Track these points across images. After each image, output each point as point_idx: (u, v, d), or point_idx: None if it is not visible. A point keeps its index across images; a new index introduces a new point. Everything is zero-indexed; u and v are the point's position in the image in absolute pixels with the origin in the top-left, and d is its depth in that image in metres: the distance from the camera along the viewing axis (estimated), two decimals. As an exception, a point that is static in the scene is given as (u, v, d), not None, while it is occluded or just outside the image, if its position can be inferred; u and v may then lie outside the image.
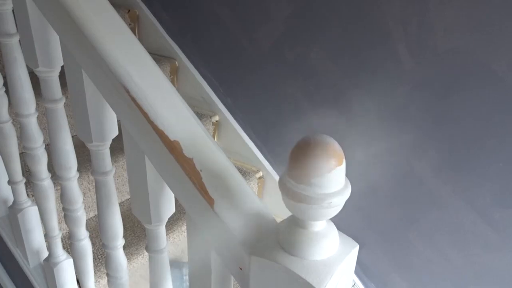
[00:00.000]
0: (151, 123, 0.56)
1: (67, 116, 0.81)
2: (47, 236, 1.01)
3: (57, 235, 1.00)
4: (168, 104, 0.60)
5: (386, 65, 1.22)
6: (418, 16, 1.14)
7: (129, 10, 1.69)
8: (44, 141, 0.91)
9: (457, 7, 1.08)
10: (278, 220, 0.52)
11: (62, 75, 0.72)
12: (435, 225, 1.30)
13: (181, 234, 1.34)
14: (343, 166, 0.43)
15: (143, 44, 0.64)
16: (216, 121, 1.65)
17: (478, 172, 1.18)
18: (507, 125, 1.10)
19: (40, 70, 0.74)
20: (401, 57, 1.19)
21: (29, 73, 0.85)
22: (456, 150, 1.19)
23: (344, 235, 0.50)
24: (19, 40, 0.78)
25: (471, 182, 1.20)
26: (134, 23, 1.71)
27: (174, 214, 0.71)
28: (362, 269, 1.49)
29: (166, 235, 0.73)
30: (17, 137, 0.96)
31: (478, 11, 1.06)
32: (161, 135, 0.56)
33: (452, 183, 1.23)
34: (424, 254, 1.35)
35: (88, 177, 1.22)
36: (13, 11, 0.77)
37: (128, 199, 1.39)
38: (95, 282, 1.03)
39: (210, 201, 0.53)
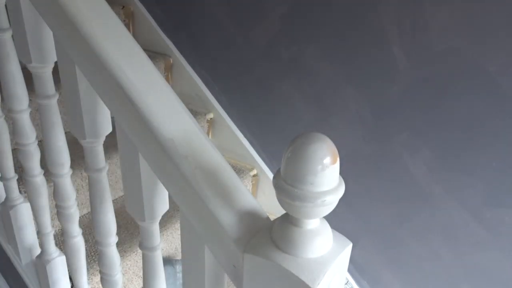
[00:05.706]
0: (145, 120, 0.56)
1: (60, 112, 0.80)
2: (39, 233, 1.00)
3: (49, 232, 1.00)
4: (163, 101, 0.59)
5: (381, 64, 1.23)
6: (413, 16, 1.14)
7: (123, 6, 1.68)
8: (37, 137, 0.90)
9: (452, 8, 1.08)
10: (272, 218, 0.53)
11: (55, 71, 0.72)
12: (427, 224, 1.31)
13: (175, 232, 1.33)
14: (337, 164, 0.43)
15: (137, 41, 0.64)
16: (211, 118, 1.64)
17: (470, 171, 1.19)
18: (500, 125, 1.11)
19: (33, 66, 0.73)
20: (395, 57, 1.20)
21: (21, 68, 0.84)
22: (449, 149, 1.20)
23: (338, 233, 0.50)
24: (12, 35, 0.78)
25: (463, 181, 1.21)
26: (129, 20, 1.70)
27: (168, 211, 0.71)
28: (355, 267, 1.50)
29: (160, 232, 0.73)
30: (10, 133, 0.96)
31: (472, 11, 1.06)
32: (156, 133, 0.56)
33: (445, 182, 1.23)
34: (416, 253, 1.36)
35: (81, 174, 1.21)
36: (6, 5, 0.76)
37: (121, 196, 1.39)
38: (88, 279, 1.02)
39: (204, 199, 0.53)
